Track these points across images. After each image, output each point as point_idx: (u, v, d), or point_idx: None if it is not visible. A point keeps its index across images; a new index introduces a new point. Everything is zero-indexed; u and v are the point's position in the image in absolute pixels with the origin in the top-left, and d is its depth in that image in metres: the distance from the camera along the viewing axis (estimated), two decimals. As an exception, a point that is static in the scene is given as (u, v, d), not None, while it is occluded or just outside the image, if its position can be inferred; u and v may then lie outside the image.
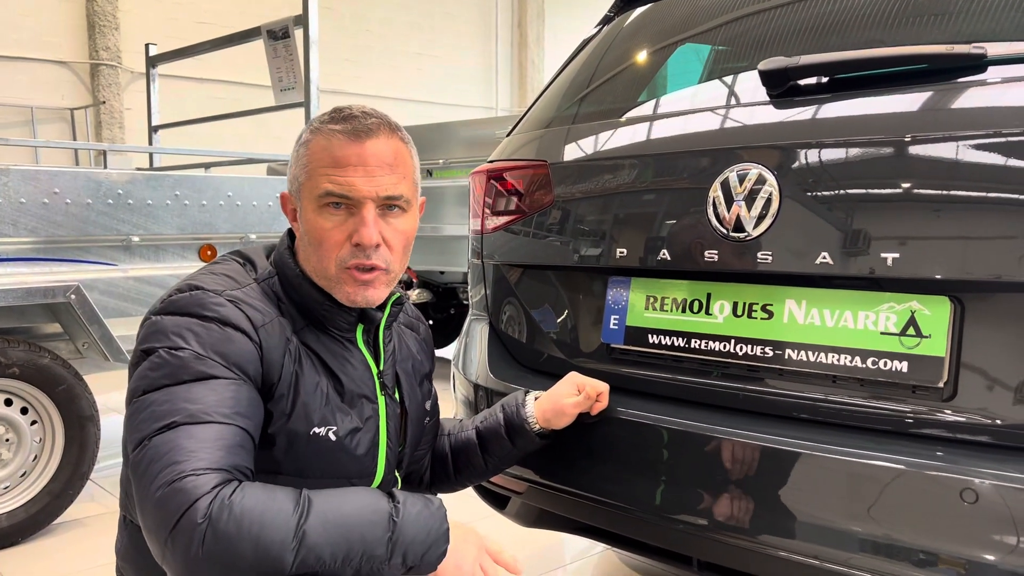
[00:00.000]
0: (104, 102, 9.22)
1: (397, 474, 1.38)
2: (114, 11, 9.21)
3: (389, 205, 1.19)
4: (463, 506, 1.90)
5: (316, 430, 1.16)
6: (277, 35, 3.77)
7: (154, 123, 4.73)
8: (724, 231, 1.32)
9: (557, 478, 1.54)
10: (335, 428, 1.18)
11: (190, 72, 8.86)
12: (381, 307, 1.27)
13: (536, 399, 1.49)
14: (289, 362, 1.15)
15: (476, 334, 1.86)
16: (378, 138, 1.18)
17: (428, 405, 1.44)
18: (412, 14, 12.01)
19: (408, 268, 5.36)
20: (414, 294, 5.11)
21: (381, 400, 1.27)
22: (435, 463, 1.55)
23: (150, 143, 4.77)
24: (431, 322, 5.90)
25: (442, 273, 5.20)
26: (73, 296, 2.67)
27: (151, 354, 1.07)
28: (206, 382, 1.05)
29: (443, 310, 5.90)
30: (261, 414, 1.11)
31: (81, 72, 9.32)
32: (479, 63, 13.23)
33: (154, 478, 0.98)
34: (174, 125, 4.68)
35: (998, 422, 1.11)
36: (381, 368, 1.29)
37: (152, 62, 4.71)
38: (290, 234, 1.27)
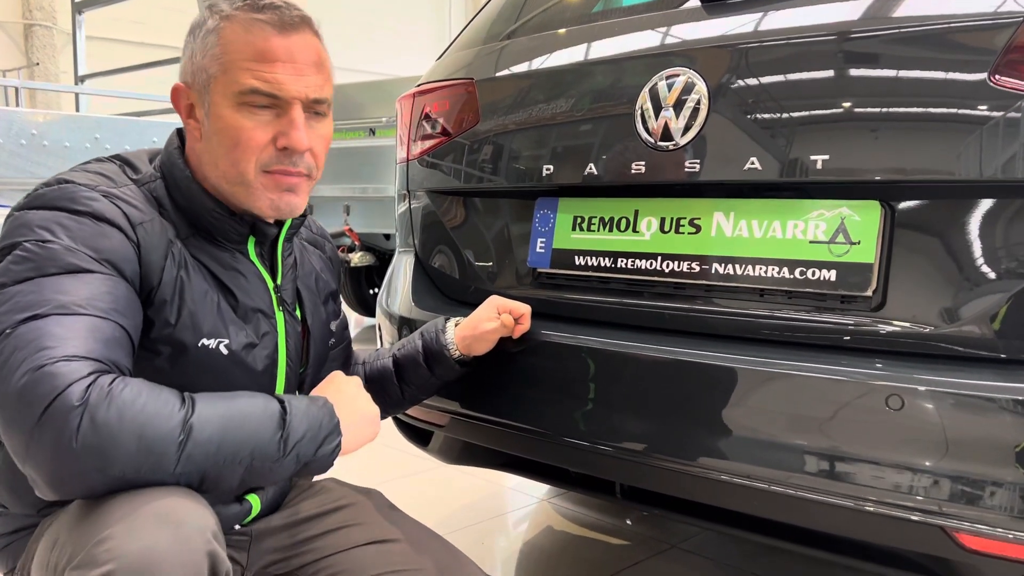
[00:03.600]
0: (38, 64, 8.86)
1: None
2: (48, -31, 8.83)
3: (314, 109, 1.10)
4: (385, 468, 1.82)
5: (205, 341, 1.06)
6: (208, -22, 3.60)
7: (80, 73, 4.51)
8: (652, 141, 1.26)
9: (480, 407, 1.47)
10: (227, 341, 1.08)
11: (128, 36, 8.55)
12: (278, 223, 1.18)
13: (456, 325, 1.41)
14: (172, 266, 1.04)
15: (401, 268, 1.77)
16: (304, 34, 1.08)
17: (334, 326, 1.35)
18: (363, -18, 11.76)
19: (350, 230, 5.18)
20: (356, 257, 4.91)
21: (280, 315, 1.18)
22: None
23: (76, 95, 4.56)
24: (375, 291, 5.76)
25: (387, 237, 5.05)
26: (-21, 239, 2.51)
27: (15, 248, 0.96)
28: (78, 275, 0.94)
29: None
30: (140, 317, 1.01)
31: (14, 33, 8.94)
32: (432, 33, 13.03)
33: (18, 365, 0.86)
34: (100, 75, 4.46)
35: (926, 330, 1.07)
36: (278, 282, 1.20)
37: (78, 8, 4.48)
38: (179, 135, 1.17)
